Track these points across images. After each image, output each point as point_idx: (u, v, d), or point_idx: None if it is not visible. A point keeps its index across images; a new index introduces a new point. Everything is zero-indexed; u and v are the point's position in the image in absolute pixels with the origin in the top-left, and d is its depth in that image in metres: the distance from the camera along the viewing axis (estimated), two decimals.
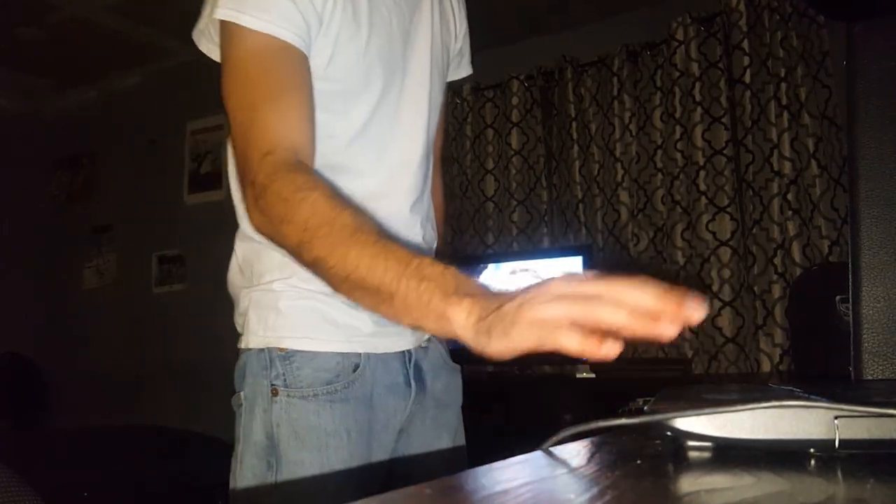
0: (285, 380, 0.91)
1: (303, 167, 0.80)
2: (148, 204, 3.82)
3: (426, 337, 1.02)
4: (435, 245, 1.11)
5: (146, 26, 3.32)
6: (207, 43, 0.94)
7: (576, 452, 0.48)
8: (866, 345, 0.60)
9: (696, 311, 0.49)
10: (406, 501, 0.35)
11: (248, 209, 0.81)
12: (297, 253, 0.75)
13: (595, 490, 0.36)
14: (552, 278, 0.56)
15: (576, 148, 2.90)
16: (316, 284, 0.87)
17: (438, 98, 1.07)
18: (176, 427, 2.83)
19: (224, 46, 0.86)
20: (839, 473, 0.39)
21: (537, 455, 0.47)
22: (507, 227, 3.03)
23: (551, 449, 0.48)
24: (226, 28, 0.85)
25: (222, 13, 0.83)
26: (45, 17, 3.17)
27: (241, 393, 0.94)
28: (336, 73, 0.91)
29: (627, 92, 2.81)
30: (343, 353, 0.93)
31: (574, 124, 2.91)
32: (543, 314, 0.53)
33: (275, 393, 0.91)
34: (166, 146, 3.78)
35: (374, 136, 0.96)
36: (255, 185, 0.79)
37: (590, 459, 0.46)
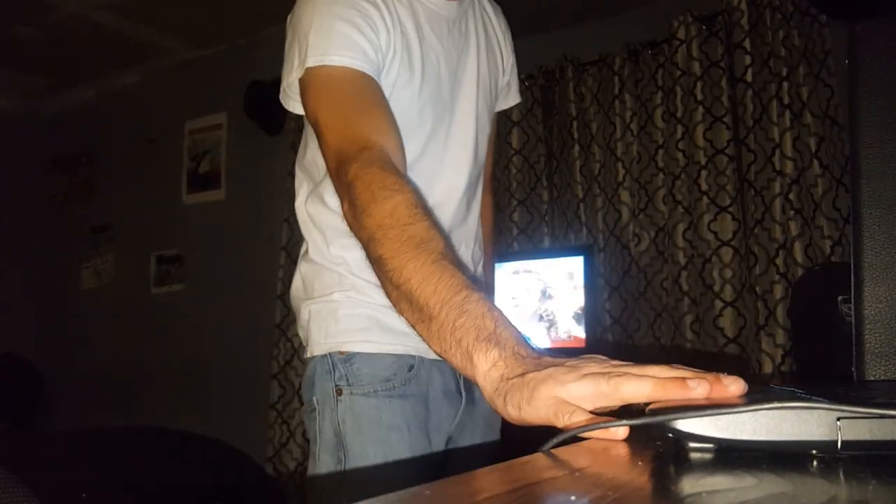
0: (348, 379, 0.99)
1: (394, 169, 0.84)
2: (146, 204, 3.81)
3: None
4: (482, 264, 1.18)
5: (145, 25, 3.32)
6: (289, 100, 1.02)
7: (576, 454, 0.47)
8: (868, 345, 0.59)
9: (733, 383, 0.48)
10: (406, 501, 0.35)
11: (340, 198, 0.86)
12: (368, 247, 0.78)
13: (596, 492, 0.36)
14: (586, 357, 0.56)
15: (577, 147, 2.89)
16: (372, 296, 0.99)
17: (486, 130, 1.16)
18: (175, 428, 2.83)
19: (311, 85, 0.94)
20: (841, 475, 0.39)
21: (538, 457, 0.46)
22: (507, 227, 3.02)
23: (552, 451, 0.48)
24: (312, 72, 0.93)
25: (312, 61, 0.93)
26: (43, 16, 3.17)
27: (313, 398, 1.02)
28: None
29: (628, 91, 2.80)
30: (398, 355, 1.01)
31: (575, 123, 2.90)
32: (567, 394, 0.52)
33: (339, 392, 0.99)
34: (165, 146, 3.78)
35: (424, 169, 1.03)
36: (348, 173, 0.83)
37: (591, 461, 0.46)
